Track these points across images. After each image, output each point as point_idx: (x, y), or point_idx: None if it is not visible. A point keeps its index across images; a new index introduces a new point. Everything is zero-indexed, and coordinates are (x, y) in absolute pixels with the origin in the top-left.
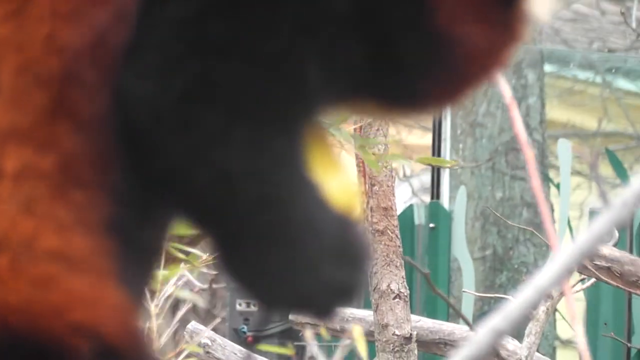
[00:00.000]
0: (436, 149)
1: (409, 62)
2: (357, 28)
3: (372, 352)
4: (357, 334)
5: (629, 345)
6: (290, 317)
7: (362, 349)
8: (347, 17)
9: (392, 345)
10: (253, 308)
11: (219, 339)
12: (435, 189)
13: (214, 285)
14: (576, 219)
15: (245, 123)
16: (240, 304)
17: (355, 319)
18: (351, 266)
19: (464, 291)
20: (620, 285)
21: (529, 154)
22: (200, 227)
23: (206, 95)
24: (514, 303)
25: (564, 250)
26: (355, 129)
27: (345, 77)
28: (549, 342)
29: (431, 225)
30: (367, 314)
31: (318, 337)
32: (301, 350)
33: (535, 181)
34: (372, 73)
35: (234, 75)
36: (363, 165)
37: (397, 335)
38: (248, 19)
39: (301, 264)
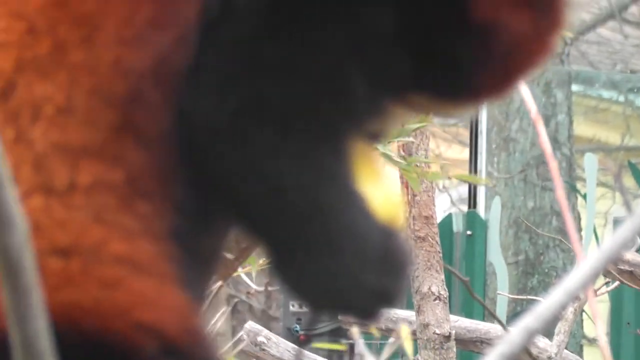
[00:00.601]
0: (473, 162)
1: (458, 59)
2: (402, 36)
3: (414, 349)
4: (405, 333)
5: None
6: (340, 316)
7: (408, 347)
8: (391, 28)
9: (432, 343)
10: (305, 309)
11: (273, 337)
12: (472, 199)
13: (269, 288)
14: (601, 227)
15: (296, 137)
16: (293, 305)
17: (399, 319)
18: (393, 273)
19: (498, 293)
20: None
21: (554, 166)
22: (253, 235)
23: (260, 112)
24: (545, 304)
25: (591, 255)
26: (398, 146)
27: (393, 85)
28: (577, 341)
29: (468, 232)
30: (409, 314)
31: (367, 335)
32: (351, 347)
33: (560, 191)
34: (422, 76)
35: (285, 93)
36: (405, 177)
37: (437, 334)
38: (298, 40)
39: (346, 271)
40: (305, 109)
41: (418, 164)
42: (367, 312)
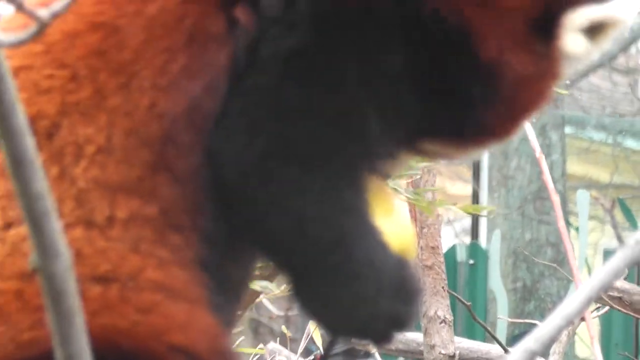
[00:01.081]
0: (475, 198)
1: (468, 98)
2: (416, 79)
3: None
4: None
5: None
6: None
7: None
8: (405, 74)
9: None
10: (321, 331)
11: (293, 356)
12: (474, 232)
13: (289, 313)
14: (592, 257)
15: (318, 175)
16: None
17: (407, 340)
18: (407, 301)
19: (498, 318)
20: (630, 313)
21: (556, 200)
22: (276, 264)
23: (285, 153)
24: (544, 328)
25: (585, 283)
26: (407, 183)
27: (406, 131)
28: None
29: (471, 262)
30: (417, 336)
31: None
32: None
33: (561, 222)
34: (434, 121)
35: (308, 135)
36: (414, 210)
37: (442, 354)
38: (318, 86)
39: (364, 298)
40: (326, 149)
41: (426, 196)
42: (382, 336)
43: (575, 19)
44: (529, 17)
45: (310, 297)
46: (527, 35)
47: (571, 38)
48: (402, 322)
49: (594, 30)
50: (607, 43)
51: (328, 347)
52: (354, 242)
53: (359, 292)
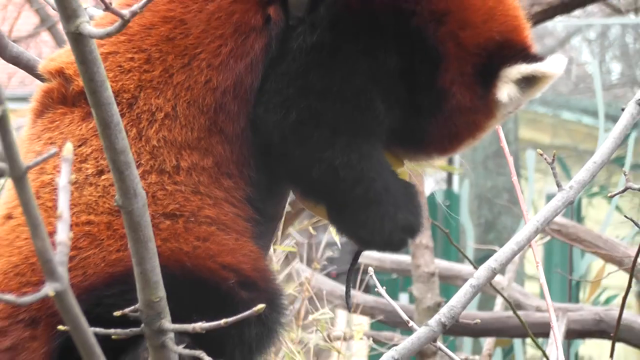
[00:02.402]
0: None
1: (424, 107)
2: (401, 80)
3: (408, 283)
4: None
5: (570, 277)
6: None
7: None
8: (395, 75)
9: (422, 278)
10: (336, 254)
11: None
12: (449, 181)
13: (310, 241)
14: (537, 199)
15: (340, 134)
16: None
17: (399, 261)
18: (416, 212)
19: (468, 245)
20: (566, 241)
21: (510, 158)
22: (315, 199)
23: (313, 121)
24: (502, 252)
25: (533, 220)
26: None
27: (394, 109)
28: (520, 277)
29: (447, 203)
30: (406, 258)
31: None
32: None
33: (514, 175)
34: (400, 121)
35: (328, 107)
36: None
37: (425, 272)
38: (335, 72)
39: (384, 215)
40: (344, 117)
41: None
42: (400, 244)
43: (511, 73)
44: (475, 63)
45: (345, 221)
46: (472, 77)
47: (505, 88)
48: (415, 229)
49: (528, 82)
50: (534, 96)
51: (353, 260)
52: (372, 177)
53: (380, 212)
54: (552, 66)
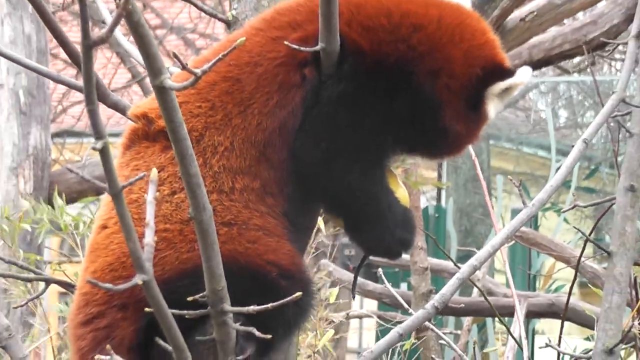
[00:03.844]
0: (439, 178)
1: (433, 138)
2: (408, 121)
3: (407, 275)
4: None
5: (529, 272)
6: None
7: None
8: (402, 118)
9: (418, 271)
10: (352, 253)
11: (337, 268)
12: (438, 198)
13: (334, 242)
14: (504, 213)
15: (359, 162)
16: (347, 251)
17: (400, 259)
18: (410, 231)
19: (452, 246)
20: (526, 244)
21: (483, 182)
22: (335, 214)
23: (336, 153)
24: (480, 253)
25: (503, 230)
26: (402, 170)
27: (402, 141)
28: (491, 271)
29: (437, 215)
30: (406, 257)
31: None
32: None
33: (487, 194)
34: (416, 143)
35: (349, 142)
36: (405, 184)
37: (420, 267)
38: (356, 116)
39: (386, 230)
40: (361, 150)
41: (412, 177)
42: (396, 254)
43: (494, 90)
44: (466, 99)
45: (356, 232)
46: (465, 110)
47: (491, 104)
48: (409, 244)
49: (506, 91)
50: (507, 100)
51: (360, 261)
52: (380, 199)
53: (383, 228)
54: (522, 76)
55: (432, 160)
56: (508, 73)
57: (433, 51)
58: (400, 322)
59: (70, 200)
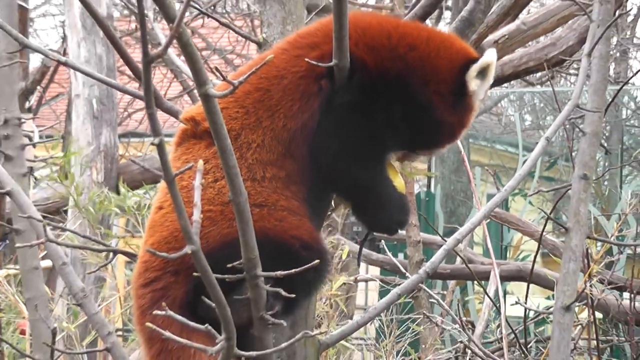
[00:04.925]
0: (429, 169)
1: (430, 133)
2: (407, 122)
3: (404, 247)
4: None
5: (501, 244)
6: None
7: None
8: (403, 120)
9: (412, 244)
10: (359, 229)
11: (345, 241)
12: (429, 185)
13: (345, 221)
14: (481, 197)
15: (364, 158)
16: (355, 228)
17: (400, 234)
18: (405, 214)
19: (440, 224)
20: (499, 222)
21: (470, 172)
22: (344, 199)
23: (345, 150)
24: (462, 229)
25: (482, 210)
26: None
27: (401, 139)
28: (470, 244)
29: (427, 199)
30: (402, 232)
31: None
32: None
33: (472, 183)
34: (413, 138)
35: (356, 141)
36: (401, 174)
37: (414, 240)
38: (362, 121)
39: (388, 213)
40: (366, 148)
41: (408, 169)
42: (393, 231)
43: (471, 74)
44: (452, 94)
45: (361, 214)
46: (452, 104)
47: (472, 83)
48: (403, 224)
49: (483, 73)
50: (490, 79)
51: (365, 237)
52: (380, 187)
53: (383, 210)
54: (490, 56)
55: (430, 152)
56: (478, 58)
57: (424, 65)
58: (398, 285)
59: (133, 188)
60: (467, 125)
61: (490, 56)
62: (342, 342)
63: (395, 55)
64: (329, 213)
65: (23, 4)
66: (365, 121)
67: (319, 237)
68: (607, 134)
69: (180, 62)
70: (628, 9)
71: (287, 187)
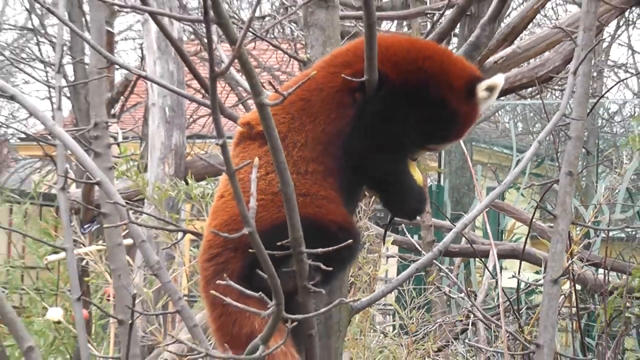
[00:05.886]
0: (439, 166)
1: (447, 123)
2: (427, 120)
3: (418, 230)
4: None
5: (498, 228)
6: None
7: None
8: (423, 119)
9: (425, 227)
10: (383, 215)
11: (371, 225)
12: (439, 178)
13: (371, 207)
14: (483, 190)
15: (390, 157)
16: (379, 214)
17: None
18: (422, 203)
19: (448, 212)
20: (496, 209)
21: (472, 169)
22: (373, 189)
23: (374, 149)
24: (468, 216)
25: (484, 200)
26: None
27: (421, 137)
28: (472, 227)
29: (437, 190)
30: (418, 218)
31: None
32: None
33: (474, 177)
34: (432, 133)
35: (384, 142)
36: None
37: (427, 224)
38: (389, 124)
39: (408, 201)
40: (393, 147)
41: (422, 166)
42: (414, 217)
43: (482, 86)
44: (463, 85)
45: (386, 202)
46: (465, 98)
47: (481, 93)
48: (421, 211)
49: (489, 90)
50: (494, 97)
51: (389, 221)
52: (403, 181)
53: (405, 200)
54: (498, 79)
55: (447, 144)
56: (483, 78)
57: (439, 69)
58: (414, 261)
59: (198, 180)
60: (474, 120)
61: (500, 79)
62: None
63: (414, 67)
64: (360, 201)
65: (109, 29)
66: (391, 126)
67: (352, 221)
68: (585, 139)
69: (239, 77)
70: (603, 37)
71: (325, 179)
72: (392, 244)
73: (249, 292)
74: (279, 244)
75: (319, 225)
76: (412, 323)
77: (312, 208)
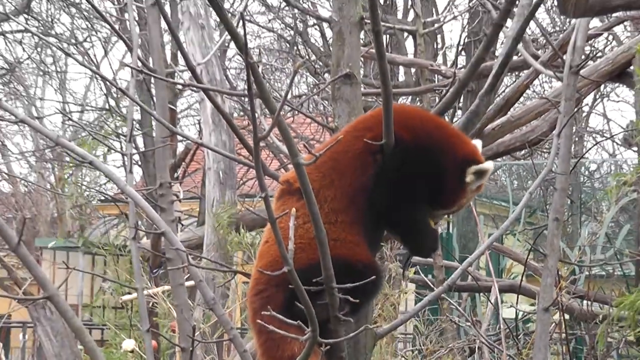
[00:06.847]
0: (448, 215)
1: (439, 187)
2: (431, 180)
3: (431, 270)
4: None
5: (499, 267)
6: (414, 257)
7: None
8: (432, 181)
9: (437, 268)
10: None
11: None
12: (448, 227)
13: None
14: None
15: (412, 204)
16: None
17: (427, 261)
18: (436, 243)
19: (456, 255)
20: (497, 252)
21: (477, 218)
22: (394, 233)
23: (395, 200)
24: (473, 255)
25: (486, 242)
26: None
27: (431, 195)
28: (477, 267)
29: (447, 237)
30: (431, 260)
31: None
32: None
33: (478, 225)
34: (436, 197)
35: (403, 195)
36: None
37: (438, 265)
38: (406, 180)
39: (424, 242)
40: (413, 200)
41: None
42: (428, 256)
43: (470, 170)
44: (457, 175)
45: (406, 243)
46: (458, 181)
47: (469, 177)
48: (435, 251)
49: (479, 174)
50: (484, 180)
51: (406, 260)
52: (423, 226)
53: (423, 241)
54: (488, 165)
55: (446, 211)
56: (479, 161)
57: (445, 141)
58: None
59: (249, 229)
60: (459, 197)
61: (489, 165)
62: (391, 333)
63: (425, 133)
64: (381, 245)
65: (172, 106)
66: (407, 180)
67: (375, 261)
68: (570, 192)
69: (279, 142)
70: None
71: (352, 226)
72: (410, 282)
73: (289, 321)
74: (314, 280)
75: (347, 264)
76: (427, 348)
77: (341, 250)
